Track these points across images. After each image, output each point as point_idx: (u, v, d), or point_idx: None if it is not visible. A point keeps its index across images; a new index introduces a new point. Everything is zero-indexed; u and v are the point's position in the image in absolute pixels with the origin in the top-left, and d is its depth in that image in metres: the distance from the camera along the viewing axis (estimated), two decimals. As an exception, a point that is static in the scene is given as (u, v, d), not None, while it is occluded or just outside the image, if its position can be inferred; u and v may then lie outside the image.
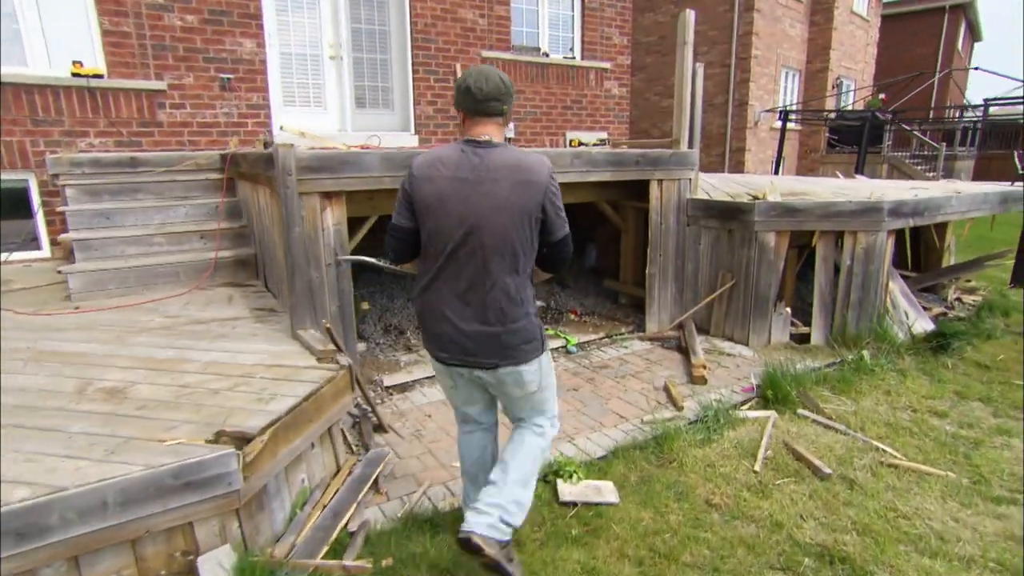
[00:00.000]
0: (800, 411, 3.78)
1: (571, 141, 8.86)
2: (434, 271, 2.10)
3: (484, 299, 2.04)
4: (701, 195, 5.50)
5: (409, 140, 7.81)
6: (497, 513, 2.10)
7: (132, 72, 6.22)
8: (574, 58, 8.84)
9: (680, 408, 3.84)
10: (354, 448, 3.34)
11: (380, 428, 3.61)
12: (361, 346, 4.64)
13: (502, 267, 2.03)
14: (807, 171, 15.91)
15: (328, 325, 3.33)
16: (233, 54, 6.62)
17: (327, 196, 3.70)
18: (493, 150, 2.06)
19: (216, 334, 3.55)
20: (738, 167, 14.47)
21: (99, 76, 6.05)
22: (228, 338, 3.48)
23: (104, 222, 5.08)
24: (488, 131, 2.09)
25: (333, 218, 3.75)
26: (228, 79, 6.62)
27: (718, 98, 14.30)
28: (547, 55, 8.68)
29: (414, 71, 7.75)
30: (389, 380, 4.24)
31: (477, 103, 2.05)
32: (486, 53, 8.10)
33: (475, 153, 2.05)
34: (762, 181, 7.09)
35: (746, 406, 3.91)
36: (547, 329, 5.36)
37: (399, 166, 3.85)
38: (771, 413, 3.73)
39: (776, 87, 14.93)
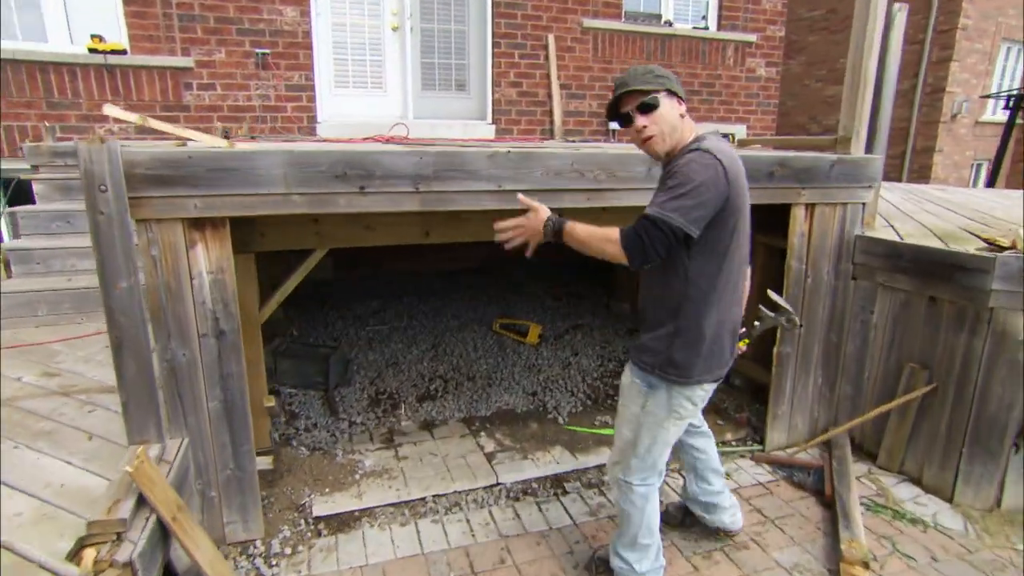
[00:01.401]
0: None
1: (732, 136, 6.56)
2: (732, 281, 1.90)
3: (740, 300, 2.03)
4: (882, 232, 3.26)
5: (485, 130, 6.15)
6: None
7: (156, 47, 5.15)
8: (707, 28, 6.63)
9: None
10: None
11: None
12: (320, 433, 3.09)
13: None
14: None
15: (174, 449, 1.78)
16: (272, 24, 5.35)
17: (196, 225, 2.15)
18: None
19: (54, 423, 2.18)
20: (922, 174, 11.07)
21: (120, 52, 5.04)
22: (52, 438, 2.10)
23: (64, 227, 4.01)
24: None
25: (209, 260, 2.19)
26: (265, 54, 5.37)
27: (902, 84, 10.95)
28: (670, 24, 6.56)
29: (494, 45, 6.05)
30: (323, 507, 2.65)
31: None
32: (588, 22, 6.20)
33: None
34: (987, 203, 4.52)
35: None
36: (608, 428, 3.44)
37: (321, 178, 2.19)
38: None
39: (990, 67, 11.20)
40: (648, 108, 1.78)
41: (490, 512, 2.68)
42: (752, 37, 6.68)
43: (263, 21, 5.33)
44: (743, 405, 3.65)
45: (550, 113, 6.35)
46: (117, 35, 5.12)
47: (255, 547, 2.41)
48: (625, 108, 1.82)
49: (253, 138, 4.67)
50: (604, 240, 1.76)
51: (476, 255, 5.79)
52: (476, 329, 4.54)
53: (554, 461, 3.05)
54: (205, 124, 5.32)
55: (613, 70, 6.35)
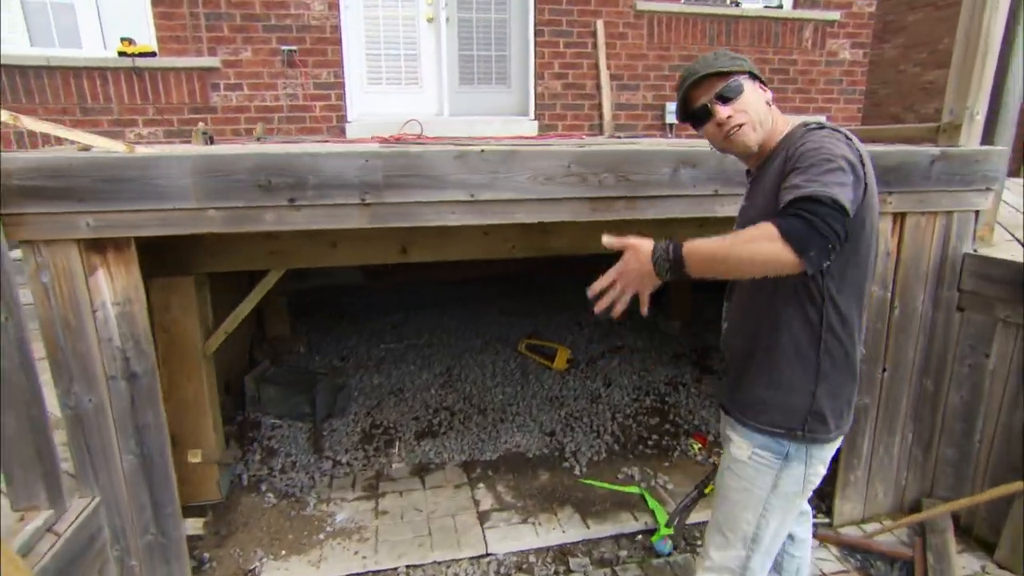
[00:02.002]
0: None
1: None
2: (863, 302, 1.43)
3: None
4: (1003, 249, 2.46)
5: (527, 127, 5.61)
6: None
7: (183, 48, 4.96)
8: (780, 7, 5.79)
9: None
10: None
11: None
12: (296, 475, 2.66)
13: None
14: None
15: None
16: (299, 20, 5.04)
17: (96, 247, 1.75)
18: None
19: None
20: (1049, 166, 9.48)
21: (149, 54, 4.88)
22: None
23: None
24: None
25: (114, 289, 1.79)
26: (291, 51, 5.07)
27: None
28: (737, 4, 5.78)
29: (537, 33, 5.49)
30: (275, 574, 2.21)
31: None
32: (642, 4, 5.53)
33: None
34: None
35: None
36: (633, 486, 2.83)
37: (240, 188, 1.73)
38: None
39: None
40: (729, 96, 1.39)
41: (470, 594, 2.15)
42: (835, 15, 5.77)
43: (290, 16, 5.03)
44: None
45: (599, 106, 5.72)
46: (147, 37, 4.97)
47: (183, 627, 2.00)
48: (700, 100, 1.42)
49: (258, 139, 4.36)
50: (753, 241, 1.14)
51: (515, 262, 5.29)
52: (499, 350, 4.01)
53: (560, 527, 2.48)
54: (233, 126, 5.10)
55: (671, 58, 5.64)
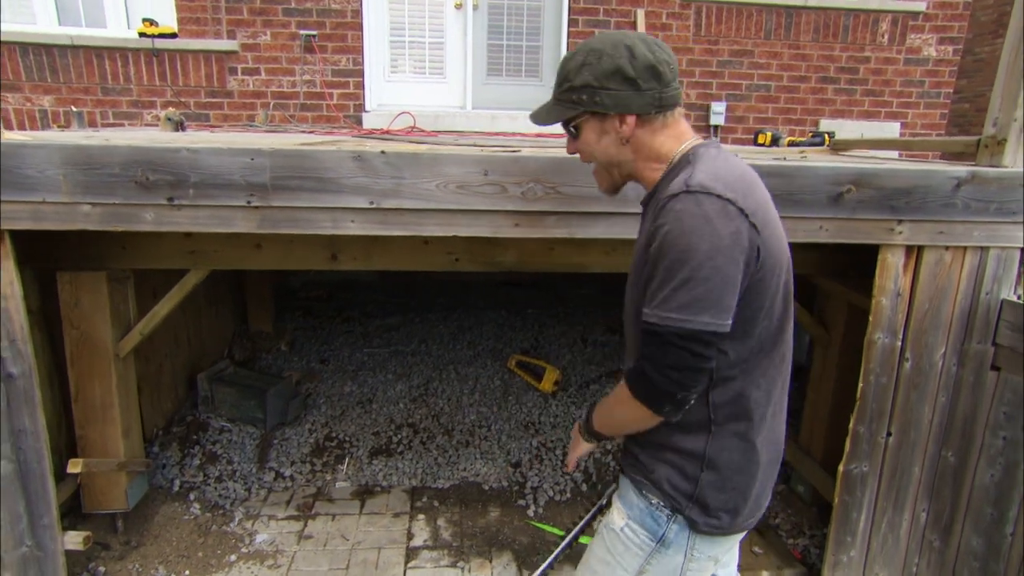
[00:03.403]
0: None
1: (825, 137, 5.32)
2: (780, 377, 1.22)
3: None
4: (1053, 295, 2.05)
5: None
6: None
7: (203, 30, 5.07)
8: (853, -7, 5.30)
9: None
10: None
11: None
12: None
13: None
14: None
15: None
16: (319, 3, 5.04)
17: (-34, 237, 1.71)
18: None
19: None
20: None
21: (170, 36, 5.02)
22: None
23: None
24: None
25: (-12, 283, 1.75)
26: (311, 36, 5.08)
27: None
28: (802, -10, 5.33)
29: (571, 23, 5.28)
30: (168, 598, 2.14)
31: (674, 86, 1.15)
32: (689, -10, 5.21)
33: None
34: None
35: None
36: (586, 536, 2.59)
37: (115, 182, 1.64)
38: None
39: None
40: (572, 133, 1.24)
41: (370, 647, 2.00)
42: (919, 5, 5.21)
43: (310, 0, 5.04)
44: (802, 526, 2.59)
45: (636, 103, 5.43)
46: (169, 18, 5.10)
47: (59, 645, 1.95)
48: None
49: (249, 126, 4.36)
50: (619, 405, 1.20)
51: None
52: (488, 364, 3.84)
53: (490, 577, 2.29)
54: (249, 112, 5.17)
55: (719, 52, 5.27)
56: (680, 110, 1.18)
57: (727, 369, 1.11)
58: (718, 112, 5.45)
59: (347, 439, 3.10)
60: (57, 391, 2.22)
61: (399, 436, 3.14)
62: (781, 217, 1.82)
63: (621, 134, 1.16)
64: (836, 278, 2.38)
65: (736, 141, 5.47)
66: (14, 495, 1.89)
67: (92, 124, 4.95)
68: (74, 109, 4.35)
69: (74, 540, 1.99)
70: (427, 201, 1.72)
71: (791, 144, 3.45)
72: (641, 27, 5.20)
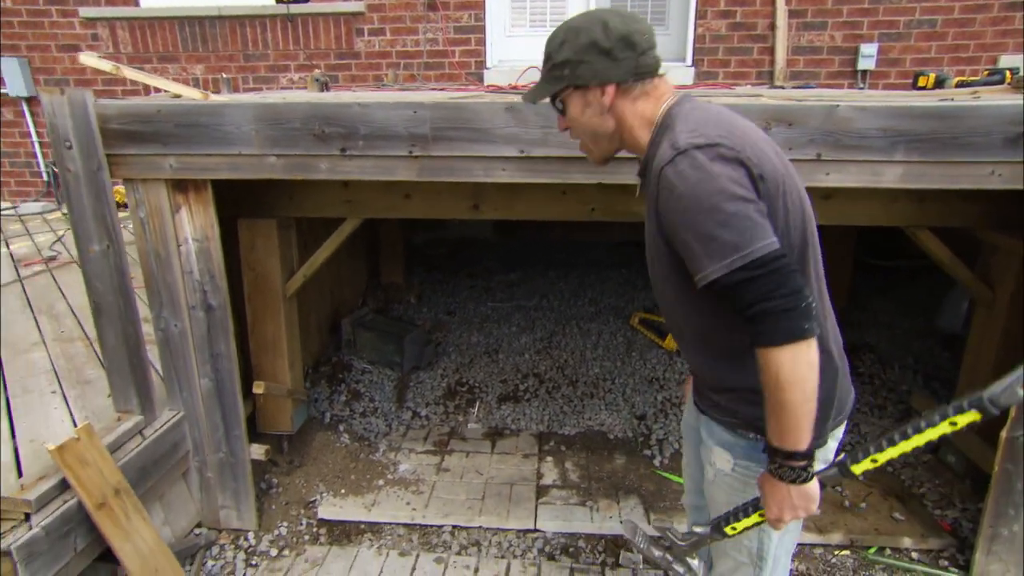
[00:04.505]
0: None
1: (1006, 74, 4.91)
2: (820, 292, 1.29)
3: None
4: None
5: (681, 73, 5.35)
6: None
7: (335, -9, 5.47)
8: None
9: None
10: None
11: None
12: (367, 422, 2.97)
13: None
14: None
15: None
16: (444, -44, 5.28)
17: (179, 187, 2.09)
18: None
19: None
20: None
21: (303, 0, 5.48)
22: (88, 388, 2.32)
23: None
24: None
25: (194, 227, 2.12)
26: (435, -7, 5.34)
27: None
28: (977, -92, 4.86)
29: (701, -35, 5.16)
30: (329, 510, 2.53)
31: (651, 54, 1.27)
32: (841, -81, 4.90)
33: None
34: None
35: None
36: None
37: (296, 136, 1.94)
38: None
39: None
40: (559, 109, 1.37)
41: (508, 567, 2.27)
42: None
43: (434, -47, 5.27)
44: (952, 498, 2.56)
45: (771, 50, 5.24)
46: (305, -19, 5.52)
47: (246, 539, 2.39)
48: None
49: (382, 85, 4.67)
50: (783, 390, 1.09)
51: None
52: (610, 320, 3.99)
53: (619, 517, 2.48)
54: (375, 72, 5.54)
55: (874, -15, 4.94)
56: (663, 78, 1.30)
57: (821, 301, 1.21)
58: (867, 55, 5.14)
59: (476, 385, 3.40)
60: (239, 324, 2.64)
61: (525, 384, 3.40)
62: (941, 162, 1.83)
63: (603, 105, 1.27)
64: (1005, 230, 2.29)
65: (889, 87, 5.15)
66: (213, 408, 2.31)
67: (236, 89, 5.53)
68: (224, 76, 4.89)
69: (258, 451, 2.40)
70: (572, 149, 1.87)
71: (960, 85, 3.24)
72: (780, -37, 4.98)
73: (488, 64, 5.48)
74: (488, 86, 4.66)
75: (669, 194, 1.13)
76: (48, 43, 5.72)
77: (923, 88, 3.65)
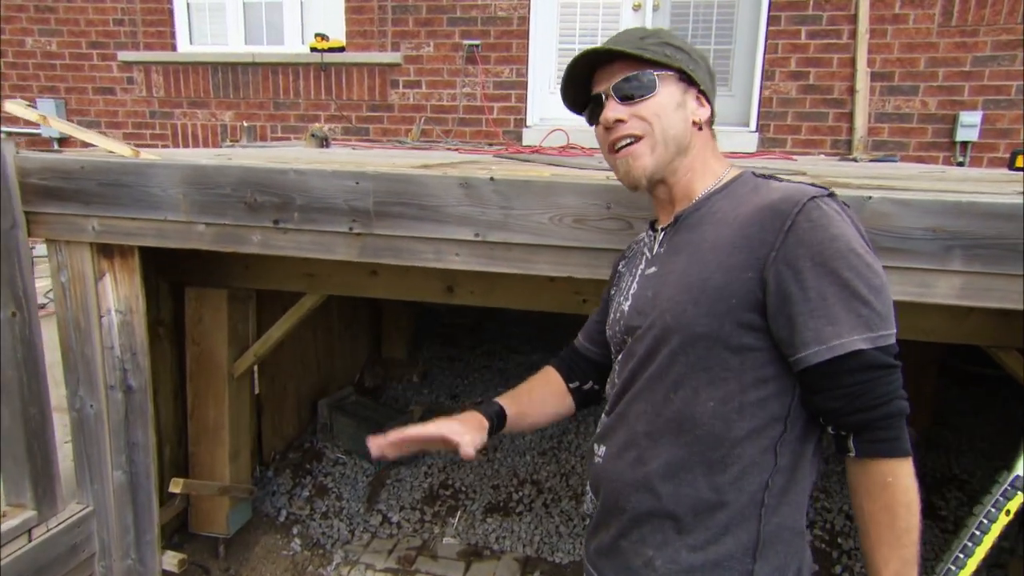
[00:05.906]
0: None
1: None
2: None
3: None
4: None
5: (743, 140, 5.14)
6: None
7: (368, 43, 5.61)
8: None
9: None
10: None
11: None
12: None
13: None
14: None
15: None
16: (485, 11, 5.33)
17: (104, 252, 1.99)
18: None
19: None
20: None
21: (339, 49, 5.64)
22: None
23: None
24: None
25: (117, 296, 2.02)
26: (474, 47, 5.38)
27: None
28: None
29: (771, 21, 5.01)
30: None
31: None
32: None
33: None
34: None
35: None
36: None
37: (226, 203, 1.81)
38: None
39: None
40: (631, 93, 1.09)
41: None
42: None
43: (476, 7, 5.33)
44: None
45: (850, 116, 4.96)
46: (340, 33, 5.71)
47: (151, 666, 2.17)
48: (600, 86, 1.14)
49: (399, 143, 4.65)
50: (909, 513, 0.97)
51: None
52: (635, 421, 3.66)
53: None
54: (407, 126, 5.58)
55: (977, 47, 4.62)
56: None
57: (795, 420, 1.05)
58: (969, 124, 4.78)
59: (463, 489, 3.13)
60: (180, 406, 2.51)
61: (520, 494, 3.10)
62: (1012, 275, 1.51)
63: (696, 115, 1.11)
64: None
65: (993, 163, 4.75)
66: (125, 506, 2.15)
67: (263, 138, 5.66)
68: (244, 124, 4.99)
69: (170, 561, 2.21)
70: (538, 236, 1.67)
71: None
72: (864, 21, 4.75)
73: (528, 123, 5.42)
74: (512, 148, 4.54)
75: (811, 227, 0.95)
76: (85, 85, 6.07)
77: (1020, 169, 3.28)
